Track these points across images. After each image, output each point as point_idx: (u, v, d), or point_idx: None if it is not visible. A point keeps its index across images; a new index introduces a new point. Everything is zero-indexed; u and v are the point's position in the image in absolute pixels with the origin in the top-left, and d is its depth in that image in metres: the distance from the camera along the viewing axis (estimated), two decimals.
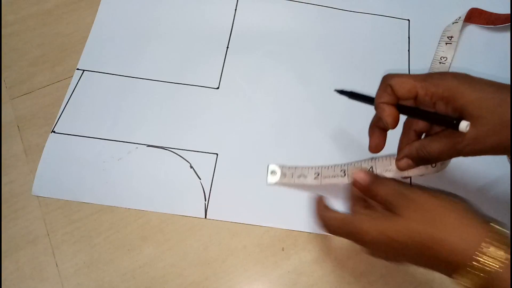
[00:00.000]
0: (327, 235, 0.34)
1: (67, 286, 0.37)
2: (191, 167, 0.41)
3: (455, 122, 0.28)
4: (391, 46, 0.49)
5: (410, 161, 0.33)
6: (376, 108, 0.32)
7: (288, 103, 0.45)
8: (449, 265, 0.27)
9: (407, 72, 0.47)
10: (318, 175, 0.39)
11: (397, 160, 0.33)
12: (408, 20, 0.51)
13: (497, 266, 0.25)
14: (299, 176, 0.39)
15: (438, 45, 0.48)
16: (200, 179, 0.41)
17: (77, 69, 0.46)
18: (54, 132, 0.43)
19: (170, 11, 0.50)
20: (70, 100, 0.44)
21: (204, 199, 0.40)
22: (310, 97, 0.45)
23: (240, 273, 0.37)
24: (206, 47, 0.48)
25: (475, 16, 0.48)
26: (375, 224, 0.30)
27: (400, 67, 0.48)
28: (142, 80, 0.46)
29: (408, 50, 0.49)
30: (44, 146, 0.42)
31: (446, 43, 0.47)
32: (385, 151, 0.34)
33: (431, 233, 0.28)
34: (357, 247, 0.31)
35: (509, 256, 0.25)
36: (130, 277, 0.37)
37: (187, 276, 0.37)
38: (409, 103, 0.31)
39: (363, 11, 0.51)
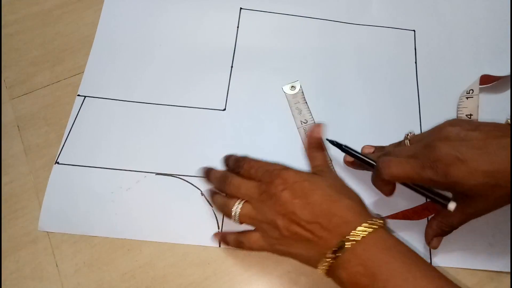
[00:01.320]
0: None
1: (67, 286, 0.37)
2: (202, 194, 0.40)
3: (446, 203, 0.33)
4: (397, 57, 0.48)
5: (439, 238, 0.36)
6: (373, 183, 0.36)
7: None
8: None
9: (415, 83, 0.46)
10: None
11: (428, 243, 0.37)
12: (414, 30, 0.50)
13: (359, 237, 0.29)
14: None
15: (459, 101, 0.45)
16: (212, 206, 0.39)
17: (78, 95, 0.44)
18: (58, 163, 0.41)
19: (171, 31, 0.48)
20: (72, 128, 0.42)
21: (217, 227, 0.39)
22: (318, 113, 0.44)
23: (240, 273, 0.37)
24: (210, 67, 0.46)
25: (485, 80, 0.45)
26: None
27: (408, 79, 0.47)
28: (145, 104, 0.44)
29: (415, 62, 0.48)
30: (44, 146, 0.42)
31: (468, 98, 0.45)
32: None
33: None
34: None
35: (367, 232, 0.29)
36: (130, 277, 0.37)
37: (187, 276, 0.37)
38: None
39: (367, 23, 0.50)
